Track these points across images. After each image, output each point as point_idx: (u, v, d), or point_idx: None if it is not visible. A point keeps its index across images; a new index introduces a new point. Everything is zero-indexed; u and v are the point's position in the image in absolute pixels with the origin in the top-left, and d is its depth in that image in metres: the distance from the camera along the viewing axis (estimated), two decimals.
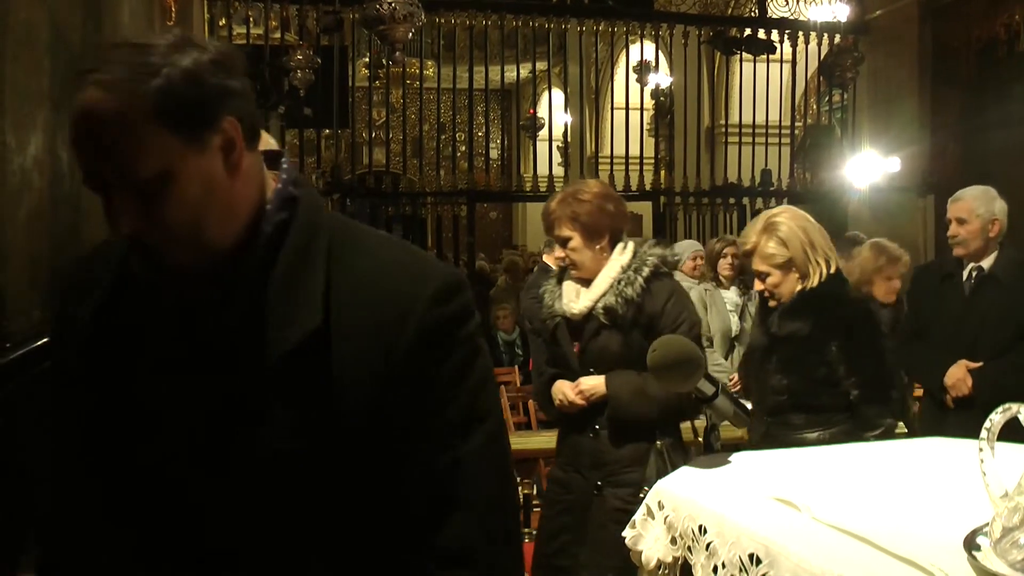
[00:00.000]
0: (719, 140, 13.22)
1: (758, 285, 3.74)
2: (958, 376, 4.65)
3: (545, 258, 7.62)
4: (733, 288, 6.92)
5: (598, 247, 3.64)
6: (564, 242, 3.67)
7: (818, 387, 3.58)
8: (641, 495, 3.17)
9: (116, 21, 4.44)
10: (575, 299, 3.67)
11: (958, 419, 4.43)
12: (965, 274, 4.75)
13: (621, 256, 3.65)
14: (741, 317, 6.81)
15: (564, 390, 3.66)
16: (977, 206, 4.60)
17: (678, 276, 6.75)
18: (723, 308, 6.75)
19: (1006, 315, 4.59)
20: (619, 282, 3.58)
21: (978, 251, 4.65)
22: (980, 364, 4.64)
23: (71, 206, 3.23)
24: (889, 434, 3.55)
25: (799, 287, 3.64)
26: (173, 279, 1.38)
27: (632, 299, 3.55)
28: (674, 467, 3.27)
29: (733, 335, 6.74)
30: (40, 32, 2.73)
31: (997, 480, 1.89)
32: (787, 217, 3.72)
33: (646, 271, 3.58)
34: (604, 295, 3.59)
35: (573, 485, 3.68)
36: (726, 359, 6.61)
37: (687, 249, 7.29)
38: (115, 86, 1.29)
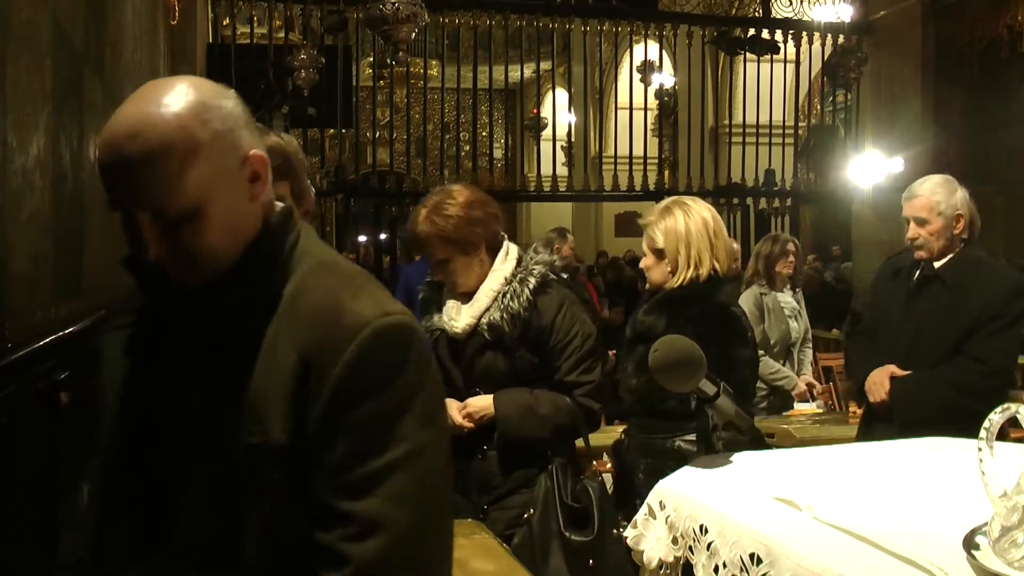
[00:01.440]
0: (723, 140, 13.23)
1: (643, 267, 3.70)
2: (875, 380, 4.10)
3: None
4: (787, 290, 6.45)
5: (476, 259, 3.32)
6: (442, 264, 3.32)
7: (666, 391, 3.27)
8: (526, 516, 3.17)
9: (119, 21, 4.44)
10: (456, 316, 3.35)
11: (883, 431, 3.90)
12: (917, 272, 4.16)
13: (504, 266, 3.35)
14: (799, 319, 6.44)
15: (451, 412, 3.29)
16: (938, 202, 4.00)
17: None
18: (781, 313, 6.27)
19: (945, 322, 3.99)
20: (503, 295, 3.29)
21: (942, 252, 4.05)
22: (908, 373, 4.07)
23: (74, 206, 3.23)
24: (755, 436, 3.35)
25: (666, 283, 3.54)
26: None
27: (518, 314, 3.26)
28: (564, 488, 3.24)
29: (792, 341, 6.31)
30: (42, 32, 2.73)
31: (996, 480, 1.89)
32: (684, 210, 3.56)
33: (532, 282, 3.30)
34: (487, 310, 3.30)
35: (460, 509, 3.25)
36: (784, 364, 6.23)
37: None
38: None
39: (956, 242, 4.02)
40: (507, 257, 3.36)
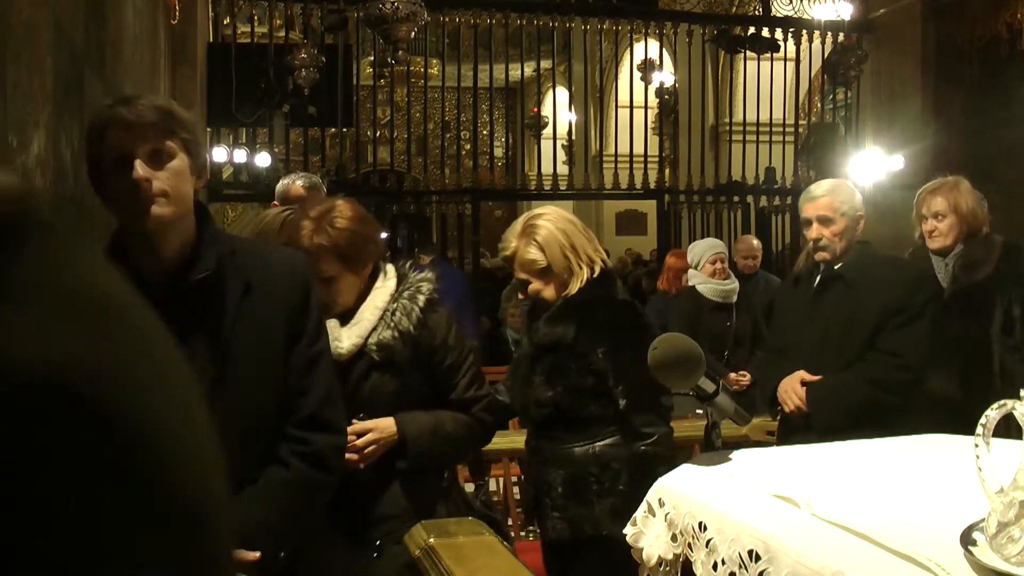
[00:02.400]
0: (723, 138, 13.25)
1: (521, 294, 3.54)
2: (786, 388, 4.00)
3: None
4: None
5: (360, 277, 3.12)
6: (327, 281, 3.02)
7: (586, 397, 3.34)
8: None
9: (119, 20, 4.45)
10: (338, 337, 3.03)
11: (803, 439, 3.67)
12: (817, 276, 4.09)
13: (386, 283, 3.14)
14: None
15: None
16: (841, 203, 3.97)
17: (699, 280, 6.62)
18: None
19: (851, 320, 3.92)
20: (391, 313, 3.07)
21: (843, 253, 4.00)
22: (819, 377, 3.98)
23: (74, 205, 3.24)
24: (664, 443, 3.33)
25: (562, 293, 3.42)
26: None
27: (408, 332, 3.05)
28: (469, 504, 3.24)
29: None
30: (42, 31, 2.74)
31: (993, 476, 1.89)
32: (547, 219, 3.44)
33: (422, 300, 3.11)
34: (375, 330, 3.06)
35: (342, 550, 2.97)
36: None
37: (706, 251, 6.74)
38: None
39: (853, 243, 4.02)
40: (386, 275, 3.16)
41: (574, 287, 3.38)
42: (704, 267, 6.61)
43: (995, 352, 4.26)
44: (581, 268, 3.38)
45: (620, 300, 3.49)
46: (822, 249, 3.97)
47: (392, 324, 3.07)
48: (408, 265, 3.24)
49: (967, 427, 3.46)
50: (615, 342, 3.32)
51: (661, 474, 3.12)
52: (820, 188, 4.08)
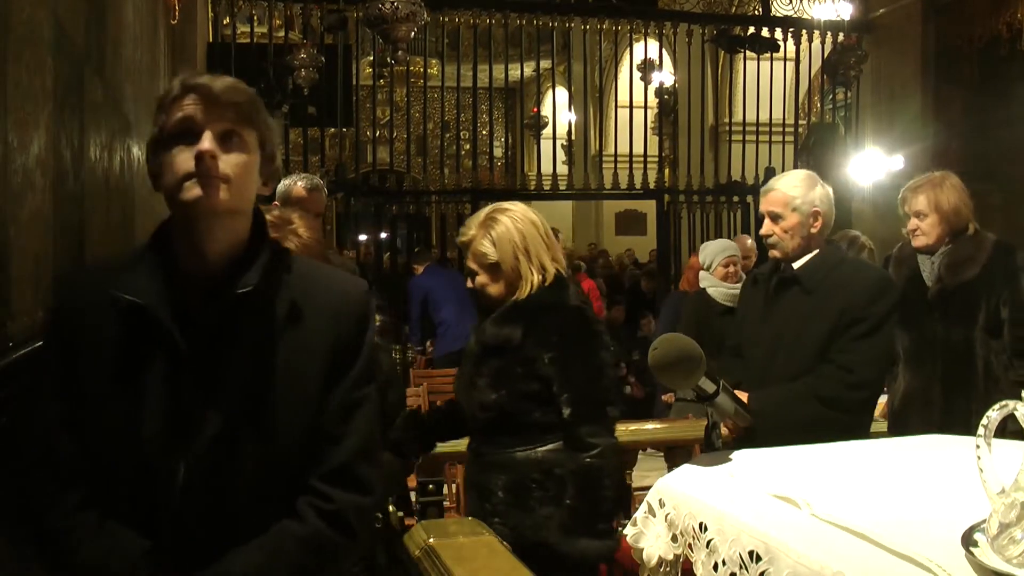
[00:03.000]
0: (723, 138, 13.24)
1: (469, 283, 3.36)
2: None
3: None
4: None
5: None
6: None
7: (530, 403, 3.19)
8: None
9: (120, 20, 4.45)
10: None
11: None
12: (775, 278, 3.84)
13: None
14: None
15: None
16: (793, 198, 3.67)
17: (709, 282, 6.44)
18: None
19: (806, 326, 3.62)
20: None
21: (797, 252, 3.70)
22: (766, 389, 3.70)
23: (75, 205, 3.24)
24: (608, 455, 3.13)
25: (510, 294, 3.26)
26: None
27: None
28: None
29: None
30: (43, 30, 2.73)
31: (994, 477, 1.89)
32: (510, 216, 3.28)
33: None
34: None
35: None
36: None
37: (718, 253, 6.54)
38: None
39: (815, 242, 3.69)
40: None
41: (523, 291, 3.23)
42: (716, 269, 6.47)
43: (978, 354, 4.11)
44: (531, 273, 3.23)
45: (572, 306, 3.26)
46: (772, 246, 3.74)
47: None
48: None
49: (948, 429, 3.46)
50: (563, 348, 3.16)
51: (607, 487, 3.11)
52: (776, 181, 3.82)
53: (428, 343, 9.84)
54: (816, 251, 3.68)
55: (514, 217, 3.28)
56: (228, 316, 1.85)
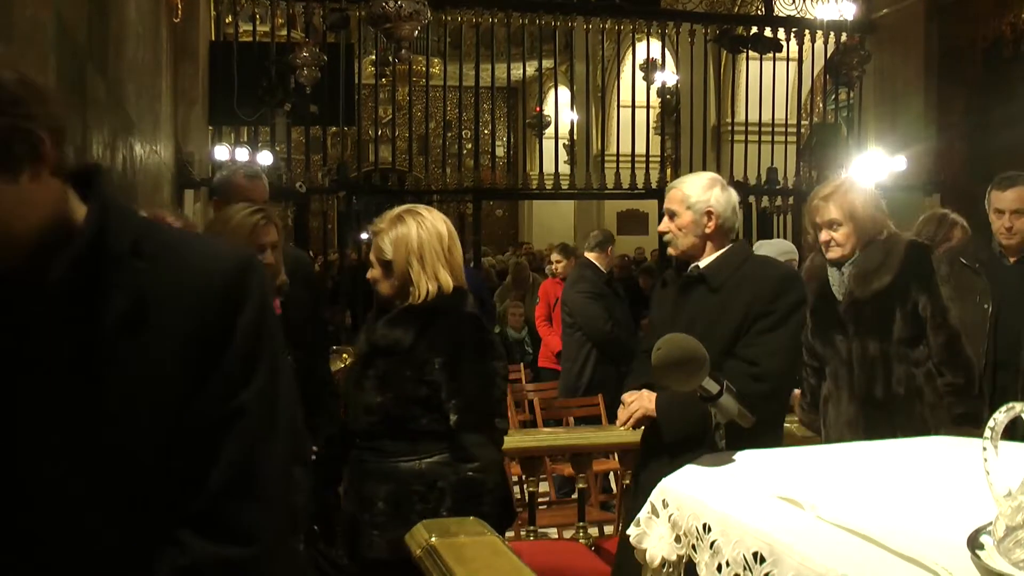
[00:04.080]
0: (725, 138, 13.22)
1: (369, 274, 3.30)
2: (627, 398, 3.60)
3: (587, 254, 7.60)
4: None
5: None
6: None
7: (417, 409, 3.13)
8: None
9: (122, 19, 4.44)
10: None
11: (657, 464, 3.34)
12: (681, 278, 3.73)
13: None
14: None
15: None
16: (688, 195, 3.60)
17: None
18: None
19: (712, 327, 3.46)
20: None
21: (692, 250, 3.62)
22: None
23: None
24: (492, 471, 3.08)
25: (401, 297, 3.21)
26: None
27: None
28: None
29: None
30: (46, 29, 2.73)
31: (1001, 479, 1.88)
32: (418, 220, 3.22)
33: None
34: None
35: None
36: None
37: (776, 256, 5.57)
38: None
39: (716, 241, 3.59)
40: None
41: (416, 296, 3.16)
42: None
43: (895, 369, 3.84)
44: (423, 280, 3.15)
45: (467, 313, 3.22)
46: (668, 244, 3.71)
47: None
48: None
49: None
50: (455, 354, 3.10)
51: (486, 503, 3.03)
52: (678, 181, 3.76)
53: None
54: (722, 250, 3.59)
55: (420, 222, 3.21)
56: (45, 312, 1.42)
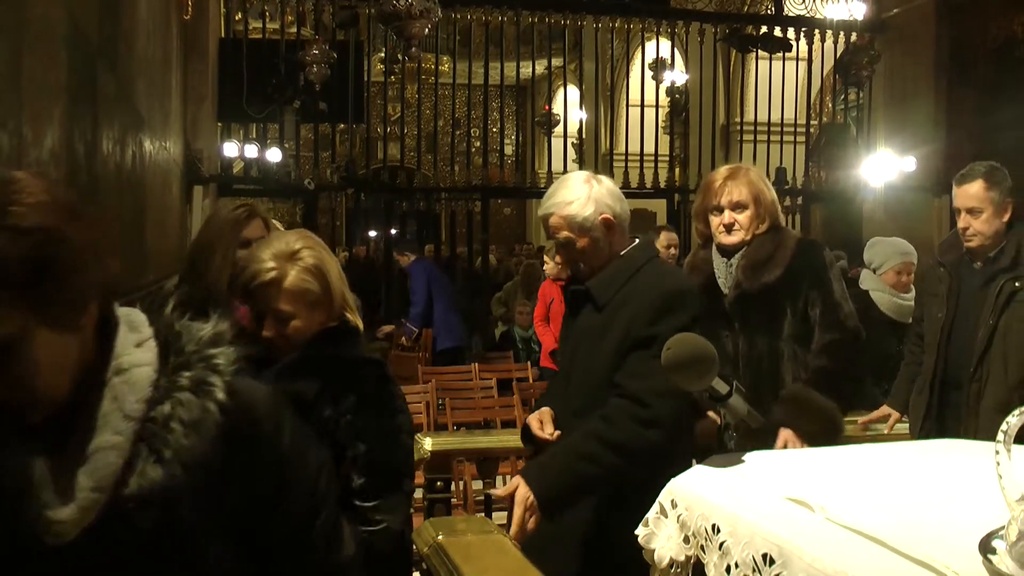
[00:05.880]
0: (734, 138, 13.23)
1: (266, 331, 2.56)
2: (508, 488, 3.02)
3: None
4: None
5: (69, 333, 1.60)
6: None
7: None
8: None
9: (133, 15, 4.45)
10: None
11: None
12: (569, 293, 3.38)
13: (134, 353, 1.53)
14: None
15: None
16: (575, 215, 3.12)
17: (873, 285, 5.43)
18: None
19: (596, 348, 3.13)
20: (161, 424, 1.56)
21: (590, 264, 3.20)
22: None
23: (88, 199, 3.24)
24: (390, 540, 2.52)
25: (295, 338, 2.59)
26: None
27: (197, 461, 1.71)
28: None
29: None
30: (58, 25, 2.74)
31: (1014, 483, 1.88)
32: (310, 244, 2.62)
33: (219, 391, 1.60)
34: (130, 465, 1.68)
35: None
36: None
37: (892, 256, 5.58)
38: None
39: (619, 244, 3.20)
40: (132, 332, 1.55)
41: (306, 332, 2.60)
42: (886, 273, 5.52)
43: (786, 367, 3.55)
44: (351, 313, 2.68)
45: (369, 359, 2.69)
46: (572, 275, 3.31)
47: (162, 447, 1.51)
48: (172, 311, 1.61)
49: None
50: (358, 410, 2.56)
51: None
52: (548, 199, 3.24)
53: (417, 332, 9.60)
54: (612, 262, 3.19)
55: (315, 244, 2.65)
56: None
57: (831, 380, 3.47)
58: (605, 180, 3.23)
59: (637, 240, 3.29)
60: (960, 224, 4.22)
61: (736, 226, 3.60)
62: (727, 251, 3.65)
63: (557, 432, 3.15)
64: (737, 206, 3.61)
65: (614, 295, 3.13)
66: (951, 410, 4.17)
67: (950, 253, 4.36)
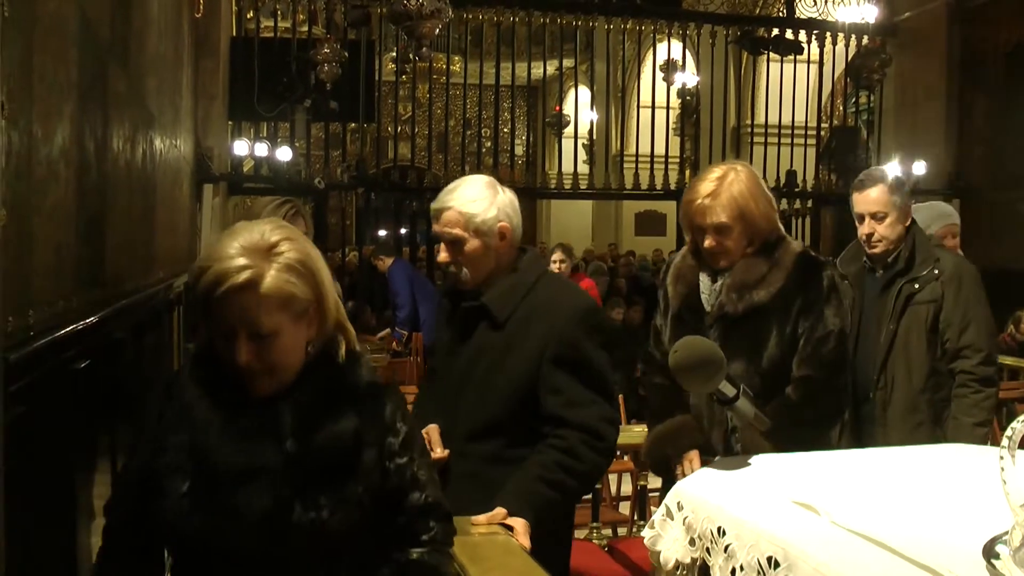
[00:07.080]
0: (744, 140, 13.21)
1: (241, 356, 1.92)
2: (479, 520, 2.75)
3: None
4: None
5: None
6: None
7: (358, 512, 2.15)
8: None
9: (145, 13, 4.46)
10: None
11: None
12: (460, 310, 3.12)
13: None
14: None
15: None
16: (474, 214, 2.93)
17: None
18: None
19: (497, 367, 2.93)
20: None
21: (479, 276, 3.00)
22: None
23: (97, 196, 3.24)
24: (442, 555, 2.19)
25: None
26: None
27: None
28: None
29: None
30: (69, 23, 2.74)
31: (1017, 488, 1.87)
32: (290, 235, 2.02)
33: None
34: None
35: None
36: None
37: (936, 219, 4.85)
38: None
39: (507, 259, 3.02)
40: None
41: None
42: (933, 235, 4.58)
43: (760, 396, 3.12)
44: (344, 329, 2.19)
45: (377, 382, 2.18)
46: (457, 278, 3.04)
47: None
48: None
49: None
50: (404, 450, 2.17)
51: None
52: (447, 192, 3.03)
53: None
54: (508, 274, 3.01)
55: (304, 242, 2.09)
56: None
57: (792, 415, 3.13)
58: (508, 191, 3.04)
59: (526, 253, 3.12)
60: (863, 231, 4.06)
61: (721, 250, 3.23)
62: (720, 271, 3.30)
63: (447, 451, 2.96)
64: (720, 229, 3.20)
65: (513, 311, 2.95)
66: (866, 425, 4.01)
67: (852, 264, 4.18)
